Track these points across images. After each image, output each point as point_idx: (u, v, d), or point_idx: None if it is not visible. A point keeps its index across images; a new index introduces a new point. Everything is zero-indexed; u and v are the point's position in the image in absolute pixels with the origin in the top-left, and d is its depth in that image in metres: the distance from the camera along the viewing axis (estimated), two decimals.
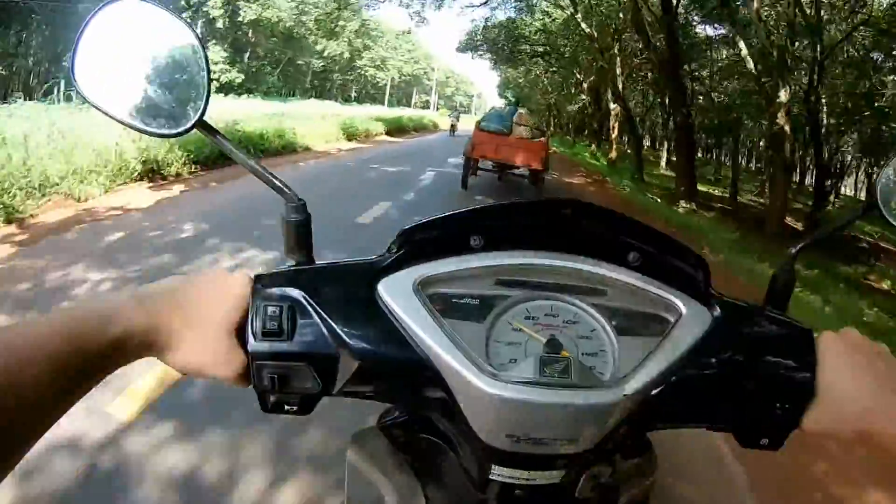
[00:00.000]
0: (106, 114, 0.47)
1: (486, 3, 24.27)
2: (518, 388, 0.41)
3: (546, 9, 23.53)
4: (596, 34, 19.10)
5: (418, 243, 0.47)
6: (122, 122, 0.47)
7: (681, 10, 13.61)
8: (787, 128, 9.95)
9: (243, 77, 37.72)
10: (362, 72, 59.43)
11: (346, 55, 50.65)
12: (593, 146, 25.24)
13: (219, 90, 30.22)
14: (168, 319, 0.40)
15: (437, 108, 71.97)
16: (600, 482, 0.53)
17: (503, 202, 0.48)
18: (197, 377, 0.44)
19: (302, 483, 1.81)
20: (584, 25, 18.61)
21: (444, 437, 0.51)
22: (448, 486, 0.52)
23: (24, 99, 10.54)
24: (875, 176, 0.58)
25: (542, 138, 8.04)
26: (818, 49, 11.13)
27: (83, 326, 0.36)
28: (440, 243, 0.47)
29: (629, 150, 20.40)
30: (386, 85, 65.86)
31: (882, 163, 0.65)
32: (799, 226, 14.21)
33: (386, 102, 61.69)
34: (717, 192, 20.61)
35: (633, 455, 0.56)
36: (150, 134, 0.48)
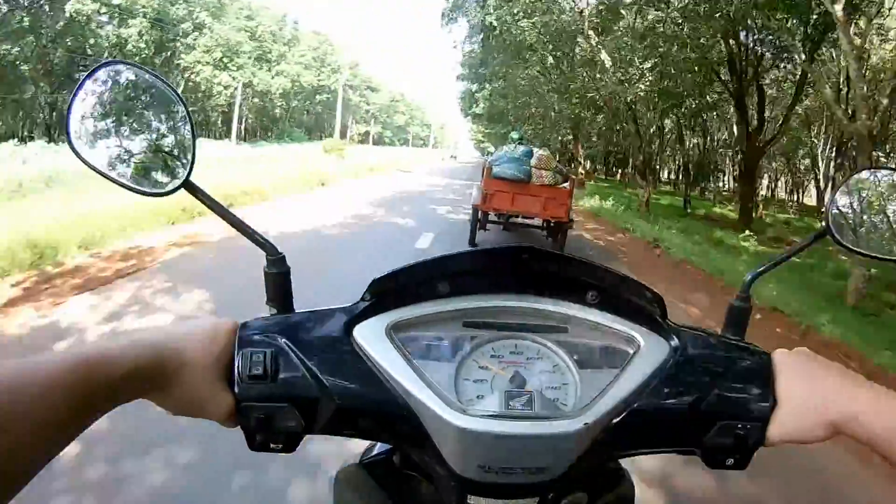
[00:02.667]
0: (100, 173, 0.50)
1: None
2: (485, 421, 0.44)
3: None
4: None
5: (389, 291, 0.50)
6: (115, 182, 0.50)
7: None
8: None
9: None
10: (193, 74, 32.57)
11: (134, 36, 26.76)
12: None
13: None
14: (161, 364, 0.43)
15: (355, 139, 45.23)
16: None
17: (467, 250, 0.52)
18: (189, 416, 0.47)
19: None
20: None
21: (423, 472, 0.54)
22: None
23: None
24: (826, 203, 0.61)
25: (566, 184, 6.63)
26: None
27: (90, 365, 0.39)
28: (409, 290, 0.51)
29: None
30: (238, 103, 34.72)
31: (831, 191, 0.67)
32: None
33: (233, 136, 34.47)
34: None
35: (609, 482, 0.58)
36: (141, 193, 0.51)
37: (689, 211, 14.84)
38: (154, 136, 0.51)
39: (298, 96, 43.53)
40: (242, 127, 39.82)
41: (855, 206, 0.62)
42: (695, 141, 18.50)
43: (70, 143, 0.50)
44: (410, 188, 15.52)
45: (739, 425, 0.48)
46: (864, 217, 0.61)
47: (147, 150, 0.51)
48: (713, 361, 0.51)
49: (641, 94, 12.94)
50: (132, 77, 0.52)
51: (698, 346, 0.52)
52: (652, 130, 16.58)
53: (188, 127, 0.51)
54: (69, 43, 26.79)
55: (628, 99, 13.03)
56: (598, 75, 14.00)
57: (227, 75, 33.93)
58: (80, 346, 0.39)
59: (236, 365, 0.46)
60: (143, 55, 29.35)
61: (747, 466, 0.50)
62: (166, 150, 0.51)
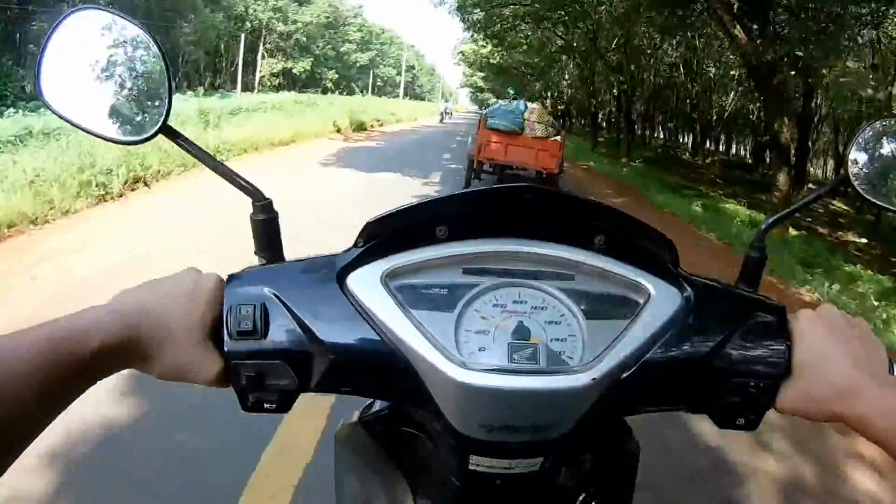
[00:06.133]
0: (72, 123, 0.47)
1: None
2: (487, 376, 0.41)
3: None
4: None
5: (384, 236, 0.47)
6: (89, 132, 0.48)
7: None
8: None
9: None
10: None
11: None
12: None
13: None
14: (143, 329, 0.40)
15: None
16: (581, 469, 0.54)
17: (466, 191, 0.48)
18: (176, 381, 0.44)
19: None
20: None
21: (424, 429, 0.51)
22: (431, 478, 0.53)
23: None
24: (845, 150, 0.59)
25: (558, 137, 7.08)
26: None
27: (63, 340, 0.36)
28: (405, 235, 0.47)
29: None
30: None
31: (850, 138, 0.65)
32: None
33: None
34: None
35: (614, 441, 0.56)
36: (116, 142, 0.48)
37: None
38: (129, 81, 0.48)
39: None
40: None
41: (871, 157, 0.60)
42: None
43: (41, 93, 0.47)
44: None
45: (752, 384, 0.45)
46: (881, 167, 0.59)
47: (122, 96, 0.48)
48: (728, 315, 0.48)
49: None
50: (104, 22, 0.49)
51: (712, 297, 0.49)
52: None
53: (164, 70, 0.48)
54: None
55: None
56: None
57: None
58: (45, 324, 0.36)
59: (224, 321, 0.43)
60: None
61: (757, 428, 0.48)
62: (141, 95, 0.48)
